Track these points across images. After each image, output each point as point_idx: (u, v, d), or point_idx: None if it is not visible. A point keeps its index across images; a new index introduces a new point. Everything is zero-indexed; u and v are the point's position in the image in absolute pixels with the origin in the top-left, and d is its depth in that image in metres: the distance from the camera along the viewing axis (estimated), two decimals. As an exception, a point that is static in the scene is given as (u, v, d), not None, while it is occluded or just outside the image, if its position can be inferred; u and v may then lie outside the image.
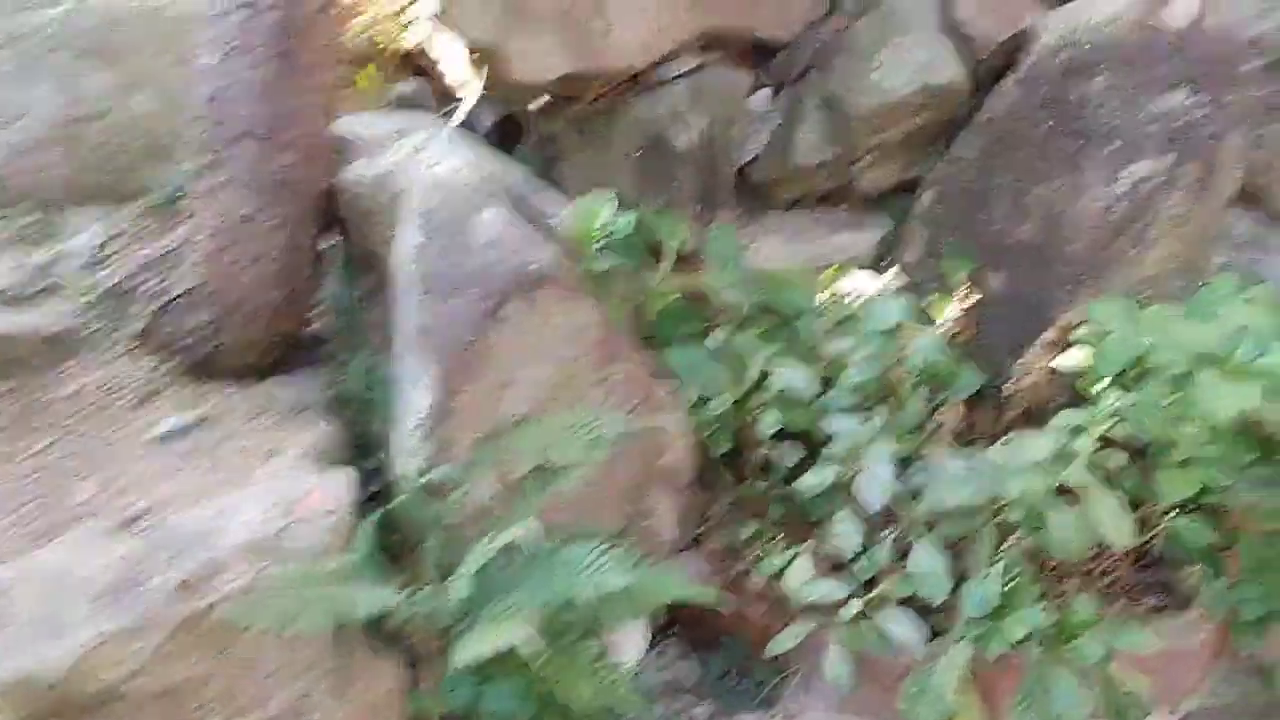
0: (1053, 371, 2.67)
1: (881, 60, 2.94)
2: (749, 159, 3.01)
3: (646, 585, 1.76)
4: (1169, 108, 2.72)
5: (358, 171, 1.86)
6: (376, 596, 1.66)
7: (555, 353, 1.78)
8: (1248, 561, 2.50)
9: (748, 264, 2.76)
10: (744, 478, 2.56)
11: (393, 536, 1.92)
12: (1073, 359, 2.61)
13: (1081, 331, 2.65)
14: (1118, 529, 1.97)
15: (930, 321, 2.72)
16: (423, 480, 1.78)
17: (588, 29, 2.43)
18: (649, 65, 2.66)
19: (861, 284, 2.60)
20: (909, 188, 3.13)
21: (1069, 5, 2.93)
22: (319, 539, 1.72)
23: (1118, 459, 2.03)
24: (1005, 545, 2.10)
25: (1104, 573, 2.62)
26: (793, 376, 2.27)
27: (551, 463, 1.70)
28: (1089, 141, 2.79)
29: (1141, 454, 2.50)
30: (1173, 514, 2.51)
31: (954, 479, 2.08)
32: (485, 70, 2.36)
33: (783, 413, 2.31)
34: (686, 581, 1.87)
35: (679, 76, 2.78)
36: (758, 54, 3.06)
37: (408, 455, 1.80)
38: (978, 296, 2.63)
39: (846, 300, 2.58)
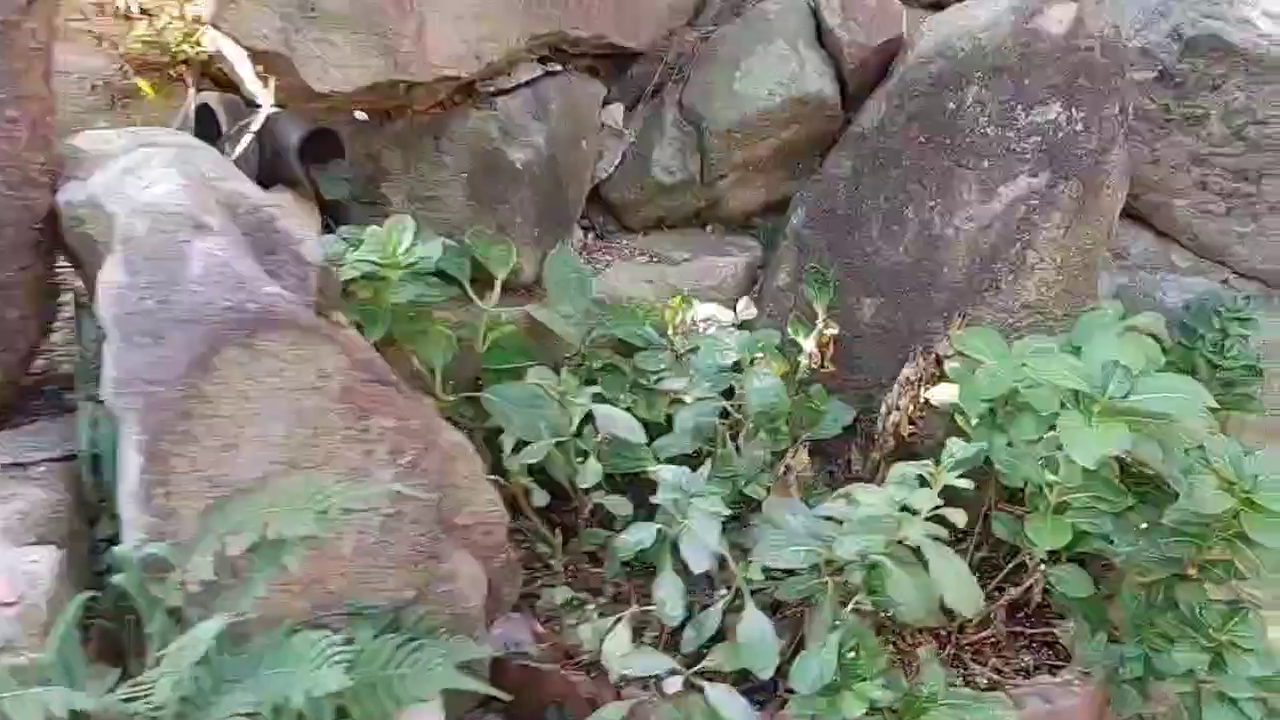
0: (928, 405, 2.46)
1: (744, 70, 2.72)
2: (604, 177, 2.77)
3: (406, 678, 1.50)
4: (1045, 121, 2.52)
5: (70, 195, 1.60)
6: (63, 698, 1.39)
7: (291, 406, 1.52)
8: (1130, 615, 2.29)
9: (593, 292, 2.52)
10: (579, 529, 2.33)
11: (124, 618, 1.65)
12: (944, 393, 2.40)
13: (952, 364, 2.44)
14: (962, 596, 1.74)
15: (795, 353, 2.49)
16: (140, 556, 1.51)
17: (397, 32, 2.18)
18: (481, 74, 2.41)
19: (715, 313, 2.36)
20: (782, 207, 2.92)
21: (945, 11, 2.72)
22: (6, 629, 1.45)
23: (958, 515, 1.80)
24: (848, 609, 1.87)
25: (978, 625, 2.40)
26: (615, 419, 2.03)
27: (278, 536, 1.44)
28: (962, 158, 2.58)
29: (1019, 496, 2.30)
30: (1051, 562, 2.31)
31: (789, 536, 1.84)
32: (274, 80, 2.10)
33: (608, 459, 2.07)
34: (456, 669, 1.61)
35: (519, 87, 2.54)
36: (616, 64, 2.83)
37: (127, 526, 1.53)
38: (835, 330, 2.40)
39: (698, 332, 2.34)
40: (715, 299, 2.72)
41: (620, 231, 2.87)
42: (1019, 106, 2.53)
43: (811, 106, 2.73)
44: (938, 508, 1.79)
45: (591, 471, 2.02)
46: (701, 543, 1.84)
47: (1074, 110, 2.51)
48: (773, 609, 2.06)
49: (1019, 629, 2.45)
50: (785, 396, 2.07)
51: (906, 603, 1.74)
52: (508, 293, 2.47)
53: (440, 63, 2.27)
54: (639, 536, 1.89)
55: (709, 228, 2.96)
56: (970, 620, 2.35)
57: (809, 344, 2.41)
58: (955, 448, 1.81)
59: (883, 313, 2.69)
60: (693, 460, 2.14)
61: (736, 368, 2.09)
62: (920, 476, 1.77)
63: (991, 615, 2.36)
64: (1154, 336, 2.47)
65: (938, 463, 1.81)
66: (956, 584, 1.74)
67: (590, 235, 2.79)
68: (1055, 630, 2.37)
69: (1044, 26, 2.53)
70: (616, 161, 2.75)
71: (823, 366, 2.44)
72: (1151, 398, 1.99)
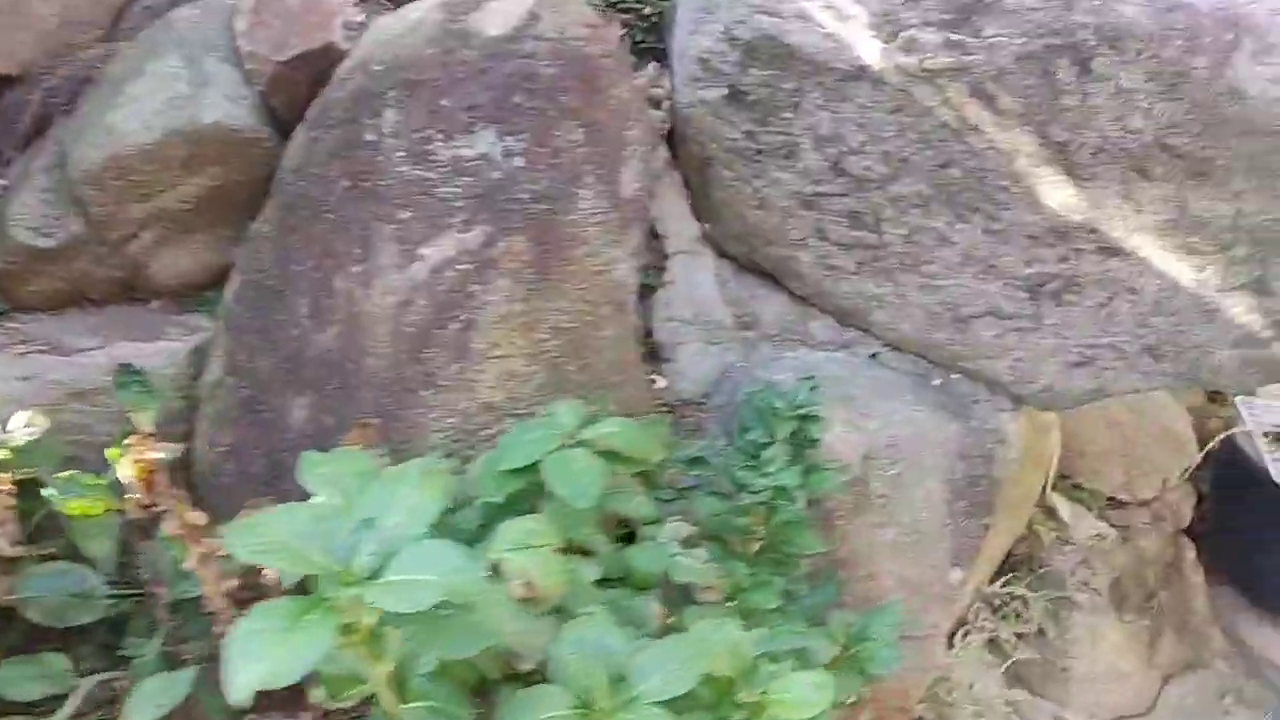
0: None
1: (127, 96, 2.03)
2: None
3: None
4: (474, 155, 1.82)
5: None
6: None
7: None
8: None
9: None
10: None
11: None
12: (287, 544, 1.66)
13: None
14: None
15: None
16: None
17: None
18: None
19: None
20: (236, 275, 2.22)
21: (390, 13, 2.03)
22: None
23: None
24: None
25: None
26: None
27: None
28: (381, 207, 1.88)
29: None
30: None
31: None
32: None
33: None
34: None
35: None
36: (-2, 92, 2.15)
37: None
38: (162, 454, 1.69)
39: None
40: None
41: (14, 310, 2.17)
42: (438, 136, 1.83)
43: (220, 142, 2.04)
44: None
45: None
46: None
47: (511, 140, 1.81)
48: None
49: None
50: None
51: None
52: None
53: None
54: None
55: (153, 303, 2.26)
56: None
57: (126, 472, 1.70)
58: None
59: (315, 416, 1.98)
60: None
61: None
62: None
63: None
64: (612, 454, 1.75)
65: None
66: None
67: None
68: None
69: (477, 27, 1.85)
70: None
71: (152, 504, 1.72)
72: (405, 581, 1.26)
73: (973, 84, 1.94)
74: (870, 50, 2.00)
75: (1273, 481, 3.08)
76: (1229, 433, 3.27)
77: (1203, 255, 1.93)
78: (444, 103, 1.80)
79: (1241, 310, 1.96)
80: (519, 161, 1.80)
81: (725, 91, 2.21)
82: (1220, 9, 1.72)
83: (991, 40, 1.89)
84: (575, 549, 1.74)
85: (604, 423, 1.76)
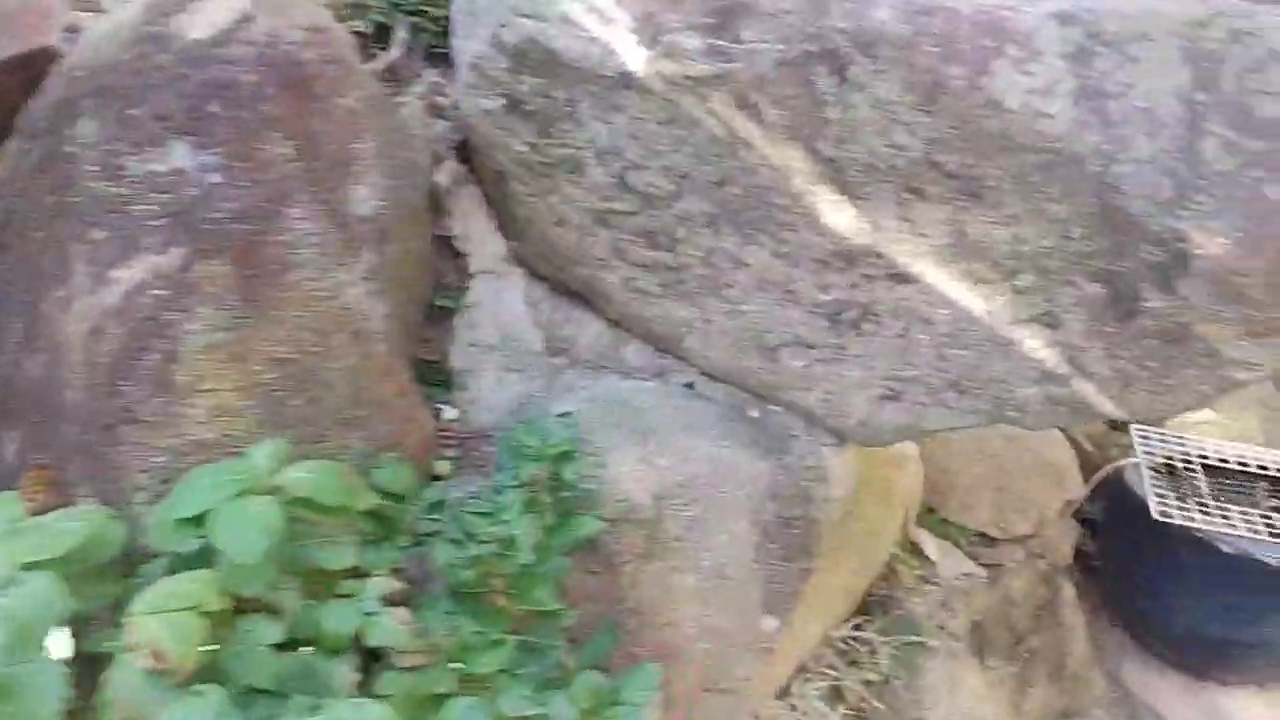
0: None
1: None
2: None
3: None
4: (167, 170, 1.65)
5: None
6: None
7: None
8: None
9: None
10: None
11: None
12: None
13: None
14: None
15: None
16: None
17: None
18: None
19: None
20: None
21: (105, 16, 1.87)
22: None
23: None
24: None
25: None
26: None
27: None
28: (74, 225, 1.72)
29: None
30: None
31: None
32: None
33: None
34: None
35: None
36: None
37: None
38: None
39: None
40: None
41: None
42: (129, 149, 1.66)
43: (-69, 153, 1.87)
44: None
45: None
46: None
47: (207, 154, 1.64)
48: None
49: None
50: None
51: None
52: None
53: None
54: None
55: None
56: None
57: None
58: None
59: (24, 452, 1.82)
60: None
61: None
62: None
63: None
64: (308, 502, 1.58)
65: None
66: None
67: None
68: None
69: (179, 30, 1.68)
70: None
71: None
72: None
73: (737, 94, 1.76)
74: (635, 57, 1.83)
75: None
76: (1116, 465, 3.08)
77: (989, 284, 1.75)
78: (134, 112, 1.63)
79: (1037, 345, 1.77)
80: (216, 177, 1.63)
81: (504, 101, 2.03)
82: (983, 13, 1.54)
83: (751, 46, 1.71)
84: (260, 607, 1.57)
85: (297, 466, 1.59)
